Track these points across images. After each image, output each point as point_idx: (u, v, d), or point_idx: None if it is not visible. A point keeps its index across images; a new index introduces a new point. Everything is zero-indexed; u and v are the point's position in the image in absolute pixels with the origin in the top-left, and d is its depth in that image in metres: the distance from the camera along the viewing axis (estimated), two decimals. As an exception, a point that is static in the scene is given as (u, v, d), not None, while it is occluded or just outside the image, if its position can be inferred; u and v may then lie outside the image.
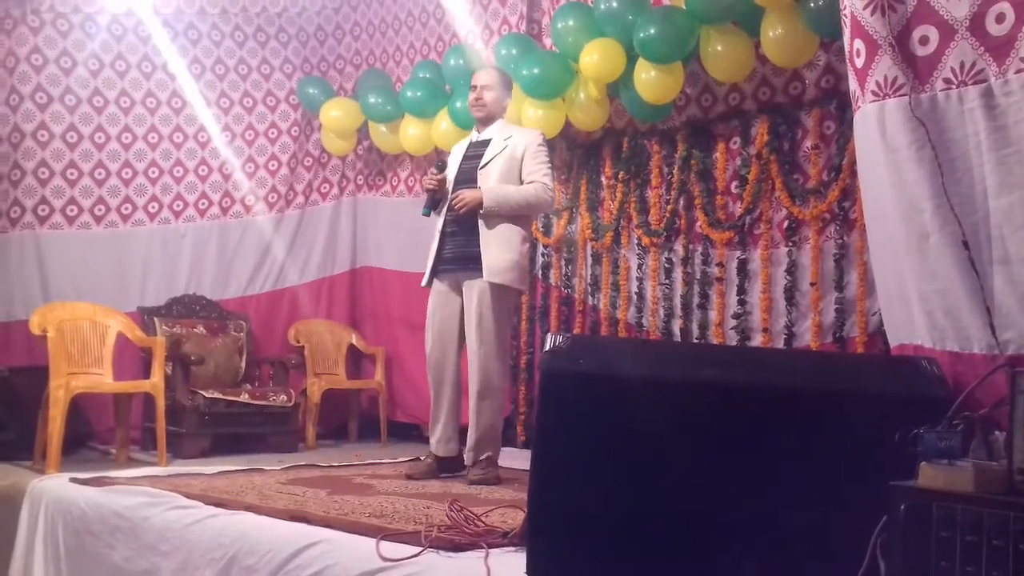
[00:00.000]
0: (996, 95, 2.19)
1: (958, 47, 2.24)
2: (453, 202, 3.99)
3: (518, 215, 4.02)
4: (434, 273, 4.12)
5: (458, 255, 4.03)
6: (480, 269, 3.94)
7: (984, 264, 2.21)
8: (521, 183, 4.03)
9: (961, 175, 2.24)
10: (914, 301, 2.37)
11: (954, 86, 2.25)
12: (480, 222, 3.97)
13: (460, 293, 4.05)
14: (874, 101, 2.39)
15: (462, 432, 4.12)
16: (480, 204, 3.93)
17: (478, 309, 3.95)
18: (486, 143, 4.12)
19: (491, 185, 3.99)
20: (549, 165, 4.09)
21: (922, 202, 2.29)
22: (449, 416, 4.09)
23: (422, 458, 4.27)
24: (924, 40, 2.31)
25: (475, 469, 3.94)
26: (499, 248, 3.94)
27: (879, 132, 2.38)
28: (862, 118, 2.48)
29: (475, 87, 4.18)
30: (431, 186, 4.09)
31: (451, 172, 4.16)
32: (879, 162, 2.42)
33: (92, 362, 4.92)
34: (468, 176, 4.07)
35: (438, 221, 4.13)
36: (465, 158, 4.16)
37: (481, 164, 4.06)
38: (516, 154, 4.04)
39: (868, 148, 2.49)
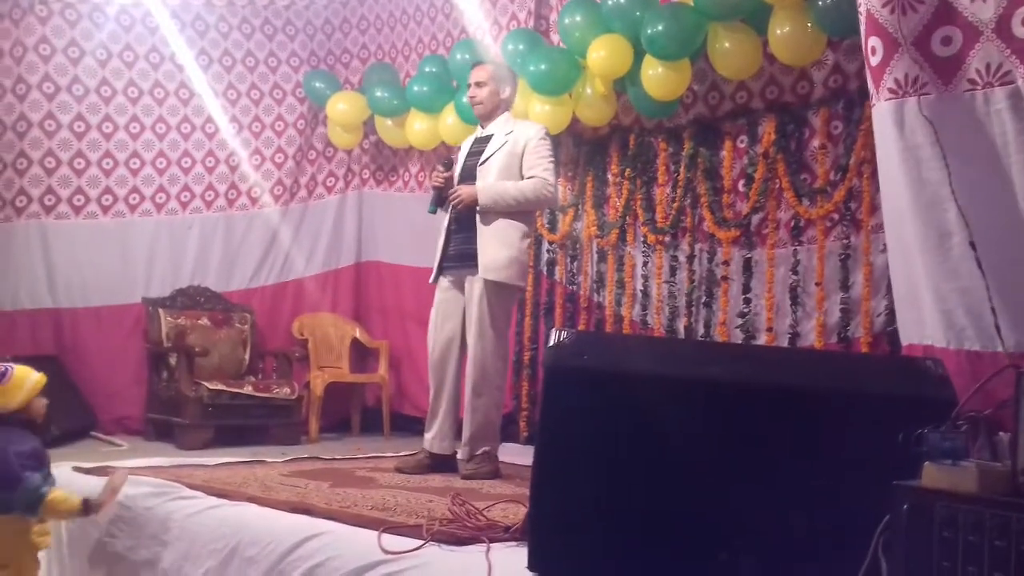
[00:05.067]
0: None
1: (983, 48, 2.24)
2: (450, 199, 4.00)
3: (518, 211, 3.99)
4: (440, 270, 4.13)
5: (460, 252, 4.03)
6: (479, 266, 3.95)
7: (1017, 263, 2.21)
8: (522, 178, 4.00)
9: (990, 175, 2.24)
10: (927, 300, 2.37)
11: (979, 87, 2.25)
12: (477, 219, 3.96)
13: (463, 290, 4.05)
14: (890, 99, 2.39)
15: (460, 431, 4.13)
16: (476, 201, 3.94)
17: (477, 306, 3.94)
18: (488, 139, 4.11)
19: (489, 182, 3.97)
20: (551, 160, 4.03)
21: (946, 201, 2.29)
22: (447, 414, 4.08)
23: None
24: (947, 41, 2.30)
25: (469, 464, 3.94)
26: (496, 245, 3.93)
27: (896, 130, 2.38)
28: (878, 116, 2.48)
29: (470, 84, 4.19)
30: (437, 183, 4.08)
31: (457, 168, 4.16)
32: (894, 160, 2.42)
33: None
34: (470, 173, 4.06)
35: (444, 218, 4.14)
36: (469, 155, 4.17)
37: (481, 160, 4.05)
38: (516, 149, 4.01)
39: (885, 146, 2.49)
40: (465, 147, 4.26)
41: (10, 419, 2.86)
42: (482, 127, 4.21)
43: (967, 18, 2.26)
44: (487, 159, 4.04)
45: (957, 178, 2.28)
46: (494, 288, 3.94)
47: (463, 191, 3.97)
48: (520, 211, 4.00)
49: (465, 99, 4.47)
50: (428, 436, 4.12)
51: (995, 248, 2.25)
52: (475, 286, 3.96)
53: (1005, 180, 2.22)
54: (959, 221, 2.26)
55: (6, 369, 2.92)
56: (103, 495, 2.95)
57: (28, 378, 2.93)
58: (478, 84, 4.13)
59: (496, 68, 4.24)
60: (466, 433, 3.98)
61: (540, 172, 3.97)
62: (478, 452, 3.95)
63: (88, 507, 2.88)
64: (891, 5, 2.35)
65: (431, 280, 4.18)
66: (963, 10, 2.27)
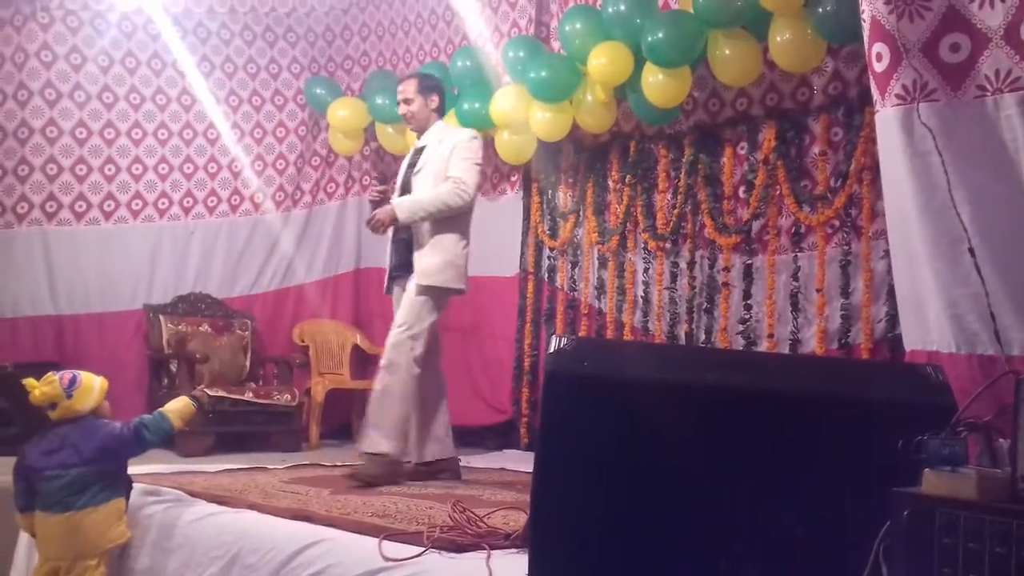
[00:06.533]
0: None
1: (992, 55, 2.26)
2: (369, 224, 4.03)
3: (448, 219, 3.96)
4: (390, 281, 4.20)
5: (402, 263, 4.09)
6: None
7: None
8: None
9: (1001, 180, 2.26)
10: (934, 306, 2.38)
11: (989, 93, 2.27)
12: (413, 232, 3.99)
13: None
14: (898, 105, 2.39)
15: (436, 437, 4.11)
16: (395, 219, 3.95)
17: (406, 298, 3.96)
18: (423, 150, 4.13)
19: (410, 195, 3.99)
20: (474, 163, 4.00)
21: (959, 206, 2.30)
22: (413, 424, 4.05)
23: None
24: (955, 47, 2.32)
25: (361, 459, 3.87)
26: (430, 253, 3.95)
27: (905, 136, 2.39)
28: (883, 122, 2.49)
29: (399, 102, 4.20)
30: (374, 199, 4.11)
31: (398, 181, 4.20)
32: (902, 166, 2.42)
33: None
34: (406, 185, 4.11)
35: (389, 231, 4.14)
36: (407, 167, 4.19)
37: (416, 171, 4.09)
38: (445, 155, 4.02)
39: (890, 152, 2.50)
40: (406, 160, 4.27)
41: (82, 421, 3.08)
42: (418, 138, 4.23)
43: (975, 25, 2.28)
44: (420, 169, 4.07)
45: (966, 184, 2.30)
46: (427, 289, 3.94)
47: (380, 213, 3.96)
48: (450, 217, 3.96)
49: (473, 103, 4.46)
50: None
51: (1007, 252, 2.27)
52: (410, 285, 3.98)
53: (1016, 184, 2.24)
54: (973, 227, 2.28)
55: (74, 376, 3.10)
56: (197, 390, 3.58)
57: (95, 382, 3.13)
58: (406, 101, 4.15)
59: (420, 80, 4.22)
60: (368, 420, 3.91)
61: (456, 173, 3.95)
62: (373, 450, 3.82)
63: (195, 399, 3.43)
64: (897, 12, 2.36)
65: (385, 291, 4.26)
66: (971, 17, 2.29)
